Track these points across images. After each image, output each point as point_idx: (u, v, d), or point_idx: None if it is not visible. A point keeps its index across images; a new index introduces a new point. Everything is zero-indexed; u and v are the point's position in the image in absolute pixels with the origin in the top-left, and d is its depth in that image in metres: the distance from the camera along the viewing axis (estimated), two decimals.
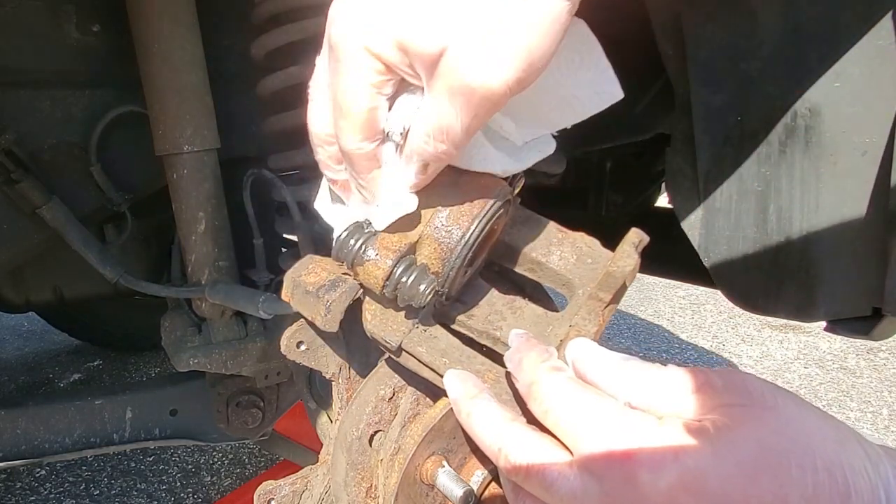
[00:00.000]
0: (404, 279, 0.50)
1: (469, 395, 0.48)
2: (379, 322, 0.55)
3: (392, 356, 0.56)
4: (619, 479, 0.38)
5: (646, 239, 0.60)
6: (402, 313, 0.55)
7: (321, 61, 0.50)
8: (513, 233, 0.62)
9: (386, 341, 0.54)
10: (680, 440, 0.37)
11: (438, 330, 0.55)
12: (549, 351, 0.47)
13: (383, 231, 0.52)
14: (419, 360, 0.54)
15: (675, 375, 0.41)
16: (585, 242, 0.61)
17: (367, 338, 0.58)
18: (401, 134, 0.47)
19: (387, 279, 0.50)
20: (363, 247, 0.51)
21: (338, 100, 0.46)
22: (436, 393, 0.58)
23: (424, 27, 0.41)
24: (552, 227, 0.62)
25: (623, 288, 0.57)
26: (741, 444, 0.36)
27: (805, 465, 0.35)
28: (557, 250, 0.61)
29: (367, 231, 0.52)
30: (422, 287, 0.50)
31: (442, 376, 0.52)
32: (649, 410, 0.41)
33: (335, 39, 0.45)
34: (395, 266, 0.50)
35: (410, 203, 0.50)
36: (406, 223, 0.52)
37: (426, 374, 0.54)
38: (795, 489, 0.34)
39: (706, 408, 0.39)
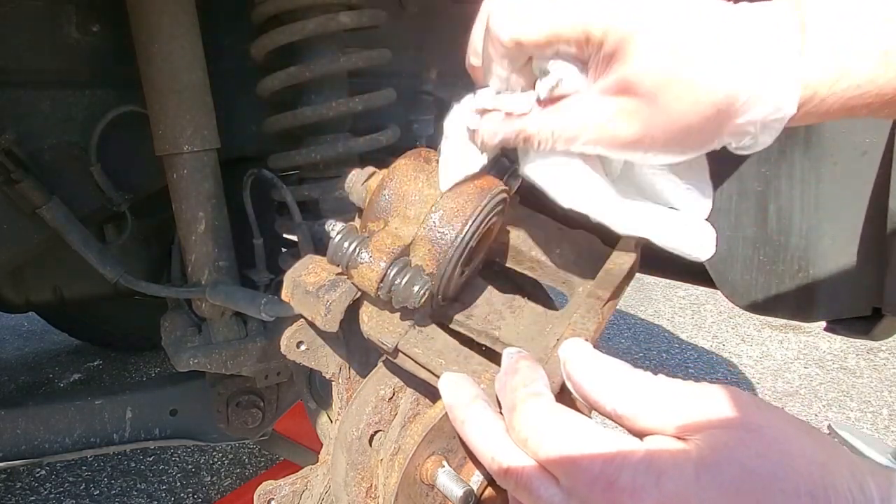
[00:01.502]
0: (398, 281, 0.50)
1: (464, 401, 0.48)
2: (375, 324, 0.55)
3: (389, 357, 0.56)
4: None
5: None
6: (398, 315, 0.55)
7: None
8: (512, 231, 0.62)
9: (382, 343, 0.54)
10: (661, 464, 0.37)
11: (435, 330, 0.55)
12: (532, 375, 0.46)
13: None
14: (416, 362, 0.54)
15: (662, 387, 0.41)
16: (585, 240, 0.61)
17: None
18: (549, 88, 0.46)
19: (381, 281, 0.50)
20: (357, 249, 0.51)
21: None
22: (435, 393, 0.58)
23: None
24: (552, 226, 0.62)
25: (622, 285, 0.57)
26: (724, 468, 0.36)
27: (788, 490, 0.35)
28: (557, 248, 0.61)
29: (361, 234, 0.52)
30: (416, 288, 0.50)
31: (438, 377, 0.52)
32: (633, 419, 0.41)
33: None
34: (388, 268, 0.50)
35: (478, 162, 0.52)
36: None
37: (423, 374, 0.54)
38: None
39: (691, 424, 0.39)
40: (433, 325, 0.56)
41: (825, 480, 0.35)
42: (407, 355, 0.54)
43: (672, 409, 0.40)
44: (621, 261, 0.57)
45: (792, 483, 0.35)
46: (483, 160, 0.52)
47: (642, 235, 0.53)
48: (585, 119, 0.46)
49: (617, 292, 0.56)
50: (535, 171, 0.51)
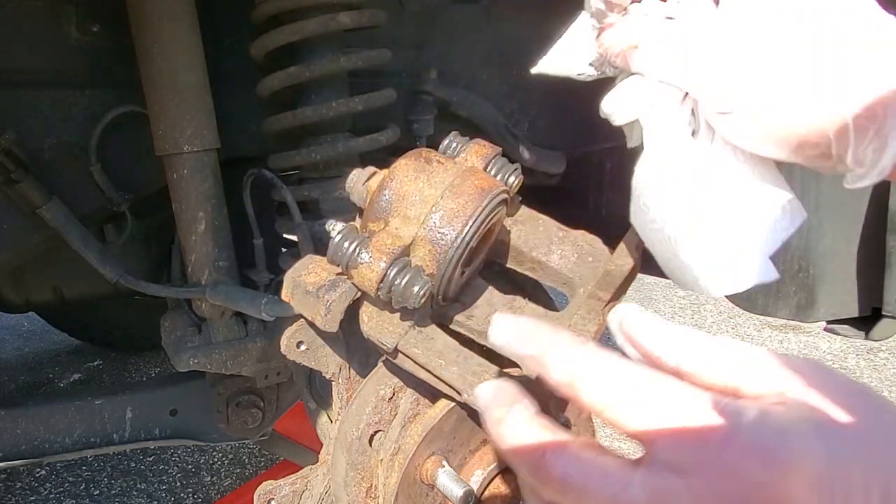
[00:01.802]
0: (398, 281, 0.50)
1: (506, 402, 0.42)
2: (375, 324, 0.55)
3: (389, 357, 0.56)
4: (717, 473, 0.33)
5: None
6: (398, 315, 0.55)
7: None
8: (513, 232, 0.62)
9: (382, 343, 0.54)
10: (799, 426, 0.33)
11: (435, 331, 0.55)
12: (579, 336, 0.41)
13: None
14: (415, 362, 0.54)
15: (725, 343, 0.39)
16: (586, 241, 0.61)
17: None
18: None
19: (381, 281, 0.50)
20: (357, 250, 0.51)
21: None
22: (435, 393, 0.58)
23: None
24: (553, 226, 0.62)
25: (623, 286, 0.57)
26: (858, 426, 0.33)
27: None
28: (558, 249, 0.61)
29: (361, 234, 0.52)
30: (415, 289, 0.50)
31: (438, 377, 0.52)
32: (697, 375, 0.38)
33: None
34: (388, 268, 0.50)
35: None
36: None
37: (423, 375, 0.54)
38: None
39: (770, 387, 0.36)
40: (433, 326, 0.56)
41: None
42: (407, 355, 0.54)
43: (744, 369, 0.38)
44: (622, 262, 0.57)
45: None
46: (585, 69, 0.54)
47: (657, 235, 0.51)
48: (692, 30, 0.48)
49: (618, 294, 0.56)
50: (627, 95, 0.51)
